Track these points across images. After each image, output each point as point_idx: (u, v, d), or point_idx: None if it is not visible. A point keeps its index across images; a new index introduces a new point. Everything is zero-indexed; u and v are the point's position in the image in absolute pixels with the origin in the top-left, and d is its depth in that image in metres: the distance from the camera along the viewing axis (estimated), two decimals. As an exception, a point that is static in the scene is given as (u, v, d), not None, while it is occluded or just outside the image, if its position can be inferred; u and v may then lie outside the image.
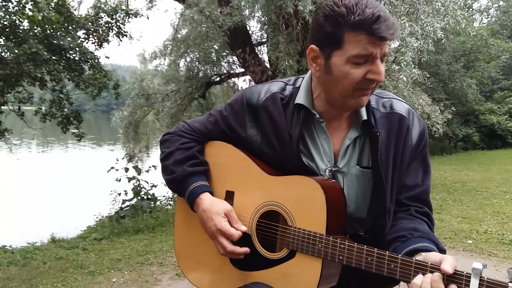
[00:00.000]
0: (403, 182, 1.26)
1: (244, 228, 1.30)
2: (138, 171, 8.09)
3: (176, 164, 1.40)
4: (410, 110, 1.29)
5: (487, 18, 24.26)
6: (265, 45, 9.73)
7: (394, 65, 6.97)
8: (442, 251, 1.13)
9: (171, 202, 8.58)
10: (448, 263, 0.98)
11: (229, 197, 1.38)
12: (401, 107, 1.28)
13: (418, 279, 1.01)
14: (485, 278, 0.93)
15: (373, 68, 1.12)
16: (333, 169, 1.28)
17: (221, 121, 1.41)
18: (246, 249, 1.29)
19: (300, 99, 1.29)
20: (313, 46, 1.19)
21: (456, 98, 16.61)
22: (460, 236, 5.17)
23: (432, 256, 1.04)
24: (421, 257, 1.06)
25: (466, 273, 0.96)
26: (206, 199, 1.34)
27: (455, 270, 0.97)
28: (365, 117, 1.25)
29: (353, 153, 1.29)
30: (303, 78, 1.35)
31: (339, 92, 1.18)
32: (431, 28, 5.62)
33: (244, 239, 1.31)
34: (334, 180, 1.27)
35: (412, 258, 1.05)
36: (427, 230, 1.19)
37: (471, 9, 20.35)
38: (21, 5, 6.86)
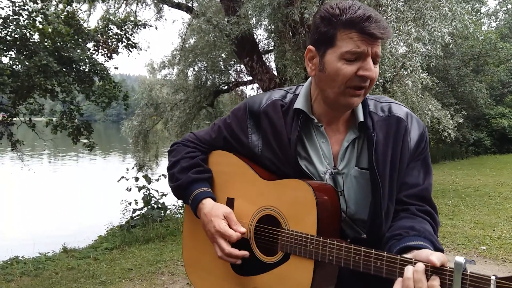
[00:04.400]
0: (403, 181, 1.27)
1: (243, 230, 1.32)
2: (148, 180, 8.12)
3: (181, 171, 1.44)
4: (408, 113, 1.31)
5: (495, 21, 24.11)
6: (272, 53, 9.76)
7: (402, 70, 6.94)
8: (439, 250, 1.12)
9: (181, 211, 8.59)
10: (436, 256, 0.98)
11: (230, 204, 1.41)
12: (399, 110, 1.30)
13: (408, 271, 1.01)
14: (469, 272, 0.93)
15: (364, 65, 1.17)
16: (333, 172, 1.30)
17: (224, 129, 1.45)
18: (244, 253, 1.30)
19: (299, 104, 1.32)
20: (310, 46, 1.26)
21: (466, 103, 16.49)
22: (473, 242, 5.10)
23: (422, 253, 1.04)
24: (411, 254, 1.06)
25: (450, 267, 0.96)
26: (207, 203, 1.37)
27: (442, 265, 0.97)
28: (361, 118, 1.28)
29: (352, 154, 1.30)
30: (304, 85, 1.39)
31: (332, 89, 1.22)
32: (439, 33, 5.60)
33: (243, 245, 1.32)
34: (328, 183, 1.29)
35: (397, 255, 1.05)
36: (425, 228, 1.17)
37: (479, 13, 20.25)
38: (32, 19, 6.96)
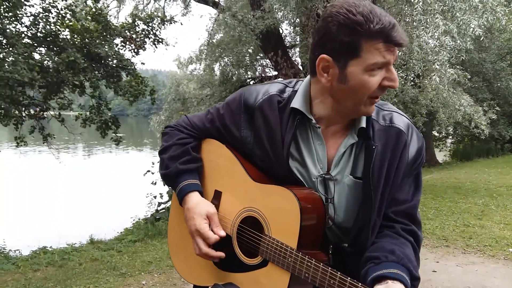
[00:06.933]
0: (393, 196, 1.22)
1: (222, 234, 1.30)
2: (173, 174, 8.21)
3: (170, 159, 1.41)
4: (409, 125, 1.25)
5: (536, 13, 23.03)
6: (298, 47, 9.67)
7: (435, 65, 6.70)
8: (415, 278, 1.11)
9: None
10: None
11: (217, 197, 1.40)
12: (400, 121, 1.24)
13: None
14: None
15: (388, 75, 1.11)
16: (325, 177, 1.24)
17: (217, 119, 1.39)
18: (220, 254, 1.29)
19: (296, 103, 1.25)
20: (324, 56, 1.13)
21: (502, 98, 15.86)
22: (501, 244, 4.90)
23: None
24: (385, 285, 1.05)
25: None
26: (192, 198, 1.35)
27: None
28: (363, 124, 1.21)
29: (347, 161, 1.24)
30: (303, 81, 1.31)
31: (353, 101, 1.16)
32: (472, 27, 5.37)
33: (226, 241, 1.31)
34: (316, 193, 1.24)
35: None
36: (405, 253, 1.15)
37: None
38: (61, 16, 7.15)
